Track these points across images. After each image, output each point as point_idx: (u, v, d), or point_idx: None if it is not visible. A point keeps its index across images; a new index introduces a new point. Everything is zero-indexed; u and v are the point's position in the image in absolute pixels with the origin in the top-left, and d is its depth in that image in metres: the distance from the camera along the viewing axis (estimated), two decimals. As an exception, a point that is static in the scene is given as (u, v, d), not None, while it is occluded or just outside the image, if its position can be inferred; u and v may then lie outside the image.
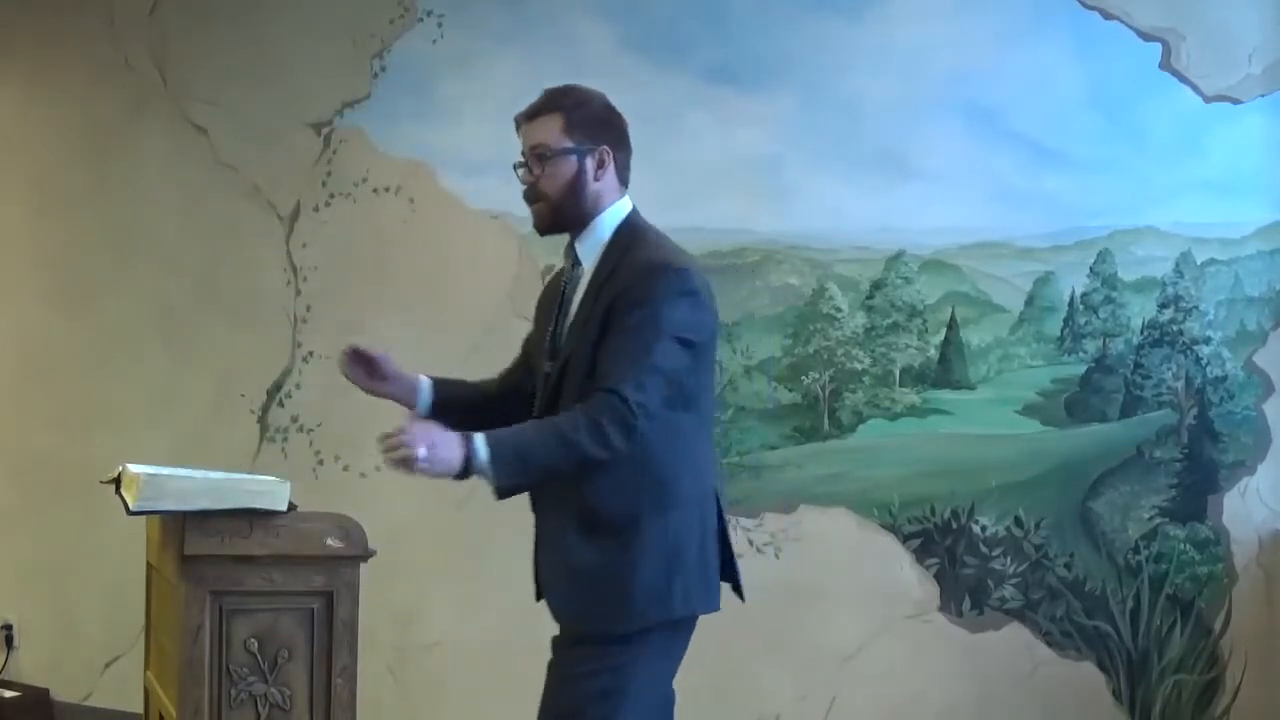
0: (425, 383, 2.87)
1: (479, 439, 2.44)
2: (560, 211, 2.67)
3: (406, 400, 2.88)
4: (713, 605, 2.67)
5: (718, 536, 2.68)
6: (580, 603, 2.63)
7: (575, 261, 2.72)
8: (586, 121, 2.67)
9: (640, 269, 2.57)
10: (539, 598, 2.77)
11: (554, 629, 4.45)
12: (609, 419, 2.47)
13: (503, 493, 2.52)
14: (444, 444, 2.41)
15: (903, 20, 4.08)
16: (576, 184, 2.65)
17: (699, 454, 2.66)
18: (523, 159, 2.69)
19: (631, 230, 2.68)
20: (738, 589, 2.76)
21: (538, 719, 2.66)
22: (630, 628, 2.57)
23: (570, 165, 2.65)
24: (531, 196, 2.69)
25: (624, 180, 2.72)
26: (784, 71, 4.17)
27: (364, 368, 2.85)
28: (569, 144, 2.65)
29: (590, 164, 2.66)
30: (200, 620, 2.67)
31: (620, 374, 2.50)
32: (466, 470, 2.44)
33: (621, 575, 2.57)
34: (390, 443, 2.41)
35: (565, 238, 2.75)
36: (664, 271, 2.57)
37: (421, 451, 2.38)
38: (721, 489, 2.75)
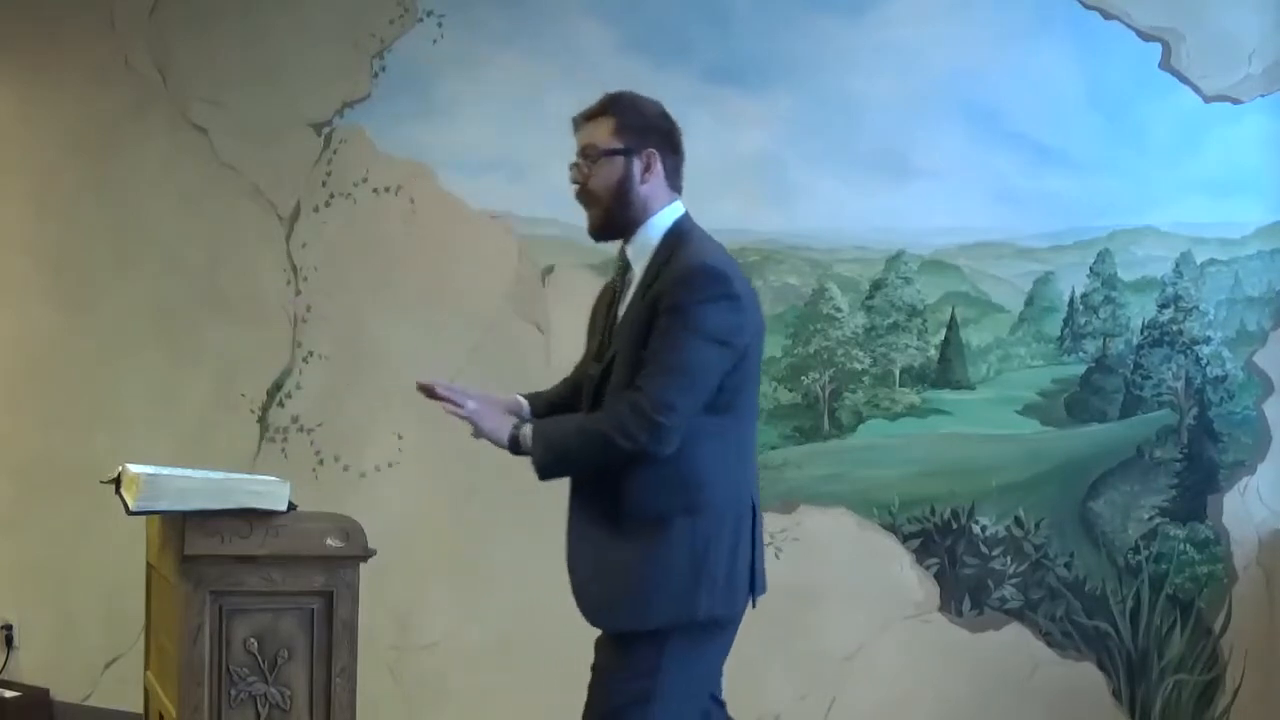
0: (525, 406, 2.94)
1: (527, 423, 2.71)
2: (611, 215, 2.73)
3: None
4: (734, 610, 2.69)
5: (751, 545, 2.69)
6: (607, 599, 2.66)
7: (626, 266, 2.78)
8: (636, 125, 2.73)
9: (682, 271, 2.61)
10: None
11: (555, 630, 4.45)
12: (631, 412, 2.54)
13: (542, 472, 2.66)
14: (493, 414, 2.70)
15: (903, 20, 4.07)
16: (624, 186, 2.71)
17: (735, 459, 2.69)
18: (576, 159, 2.76)
19: (679, 234, 2.72)
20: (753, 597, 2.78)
21: (582, 715, 2.71)
22: (652, 625, 2.60)
23: (617, 166, 2.70)
24: (584, 199, 2.75)
25: (675, 186, 2.77)
26: (784, 71, 4.17)
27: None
28: (617, 145, 2.70)
29: (637, 166, 2.71)
30: (200, 620, 2.67)
31: (649, 373, 2.57)
32: (515, 445, 2.66)
33: (647, 573, 2.60)
34: (444, 393, 2.66)
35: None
36: (703, 273, 2.61)
37: (471, 404, 2.65)
38: (758, 498, 2.76)
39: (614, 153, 2.70)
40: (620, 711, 2.62)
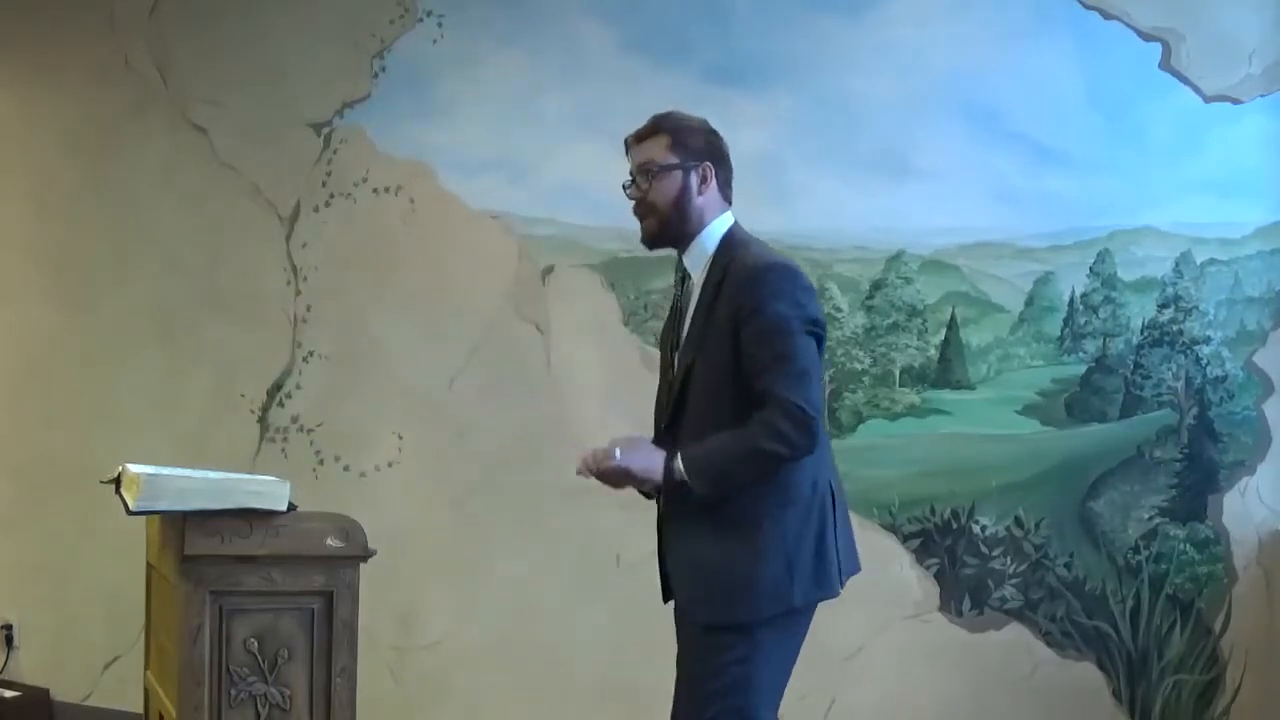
0: None
1: (679, 452, 2.69)
2: (667, 225, 2.84)
3: None
4: (828, 592, 2.78)
5: (835, 528, 2.78)
6: (708, 596, 2.73)
7: (685, 275, 2.90)
8: (690, 141, 2.85)
9: (751, 273, 2.72)
10: (666, 599, 2.89)
11: (555, 630, 4.45)
12: (785, 418, 2.62)
13: (705, 498, 2.68)
14: (640, 453, 2.69)
15: (903, 20, 4.08)
16: (682, 198, 2.83)
17: (818, 450, 2.76)
18: (630, 178, 2.87)
19: (733, 242, 2.83)
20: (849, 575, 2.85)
21: (672, 715, 2.78)
22: (754, 618, 2.69)
23: (675, 180, 2.82)
24: (640, 212, 2.86)
25: (726, 197, 2.89)
26: (784, 71, 4.17)
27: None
28: (674, 160, 2.83)
29: (694, 179, 2.83)
30: (200, 620, 2.67)
31: (776, 379, 2.64)
32: (670, 478, 2.67)
33: (745, 569, 2.70)
34: (593, 456, 2.67)
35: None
36: (777, 270, 2.72)
37: (617, 452, 2.66)
38: (838, 481, 2.84)
39: (672, 168, 2.82)
40: (714, 702, 2.68)
